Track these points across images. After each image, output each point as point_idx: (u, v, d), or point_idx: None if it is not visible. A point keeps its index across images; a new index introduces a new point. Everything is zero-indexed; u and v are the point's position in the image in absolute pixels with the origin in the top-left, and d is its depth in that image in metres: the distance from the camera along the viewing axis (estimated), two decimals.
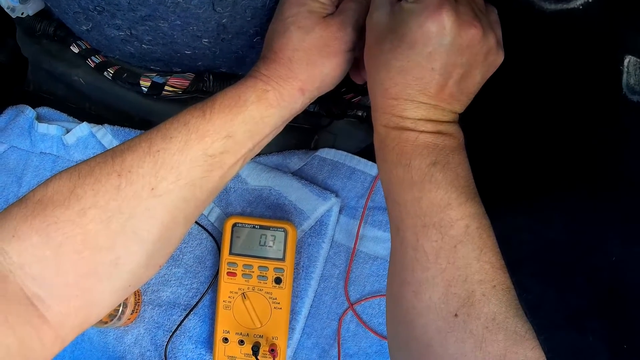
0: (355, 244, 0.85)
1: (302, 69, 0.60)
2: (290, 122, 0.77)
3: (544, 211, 0.79)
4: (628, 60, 0.44)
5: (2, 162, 0.91)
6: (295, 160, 0.89)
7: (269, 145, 0.87)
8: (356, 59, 0.64)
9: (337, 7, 0.63)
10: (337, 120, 0.89)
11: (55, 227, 0.49)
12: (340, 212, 0.87)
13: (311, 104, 0.83)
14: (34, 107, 0.91)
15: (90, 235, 0.50)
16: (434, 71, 0.54)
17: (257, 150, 0.62)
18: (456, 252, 0.52)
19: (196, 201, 0.56)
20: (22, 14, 0.83)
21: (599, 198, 0.71)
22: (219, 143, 0.55)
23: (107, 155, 0.53)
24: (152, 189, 0.52)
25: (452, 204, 0.53)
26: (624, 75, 0.44)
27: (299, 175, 0.89)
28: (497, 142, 0.84)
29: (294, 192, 0.86)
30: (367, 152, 0.89)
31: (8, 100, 0.92)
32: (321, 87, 0.62)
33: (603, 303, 0.69)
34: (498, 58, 0.58)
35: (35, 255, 0.49)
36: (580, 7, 0.57)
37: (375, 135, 0.59)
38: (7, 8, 0.80)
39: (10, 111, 0.91)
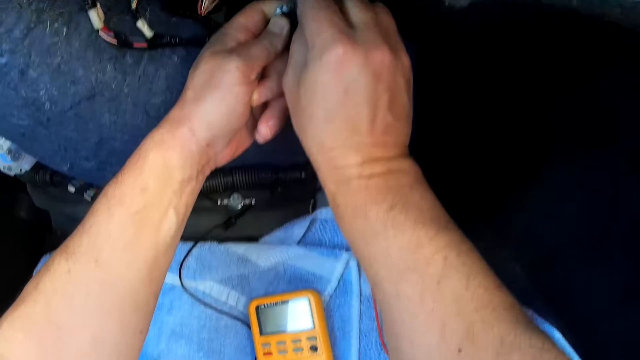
0: (373, 291, 0.82)
1: (192, 107, 0.58)
2: (284, 195, 0.78)
3: (556, 190, 0.74)
4: None
5: None
6: (297, 230, 0.88)
7: (269, 224, 0.88)
8: (254, 115, 0.63)
9: None
10: None
11: (30, 323, 0.53)
12: (359, 264, 0.84)
13: (299, 170, 0.84)
14: None
15: (61, 321, 0.54)
16: (359, 106, 0.52)
17: (187, 200, 0.61)
18: (441, 288, 0.48)
19: (144, 262, 0.57)
20: (20, 170, 0.89)
21: (598, 155, 0.66)
22: (137, 199, 0.56)
23: (58, 249, 0.57)
24: (96, 261, 0.55)
25: (422, 242, 0.49)
26: None
27: (305, 243, 0.88)
28: (482, 145, 0.82)
29: (306, 260, 0.85)
30: None
31: (42, 249, 0.98)
32: (211, 127, 0.58)
33: None
34: (412, 74, 0.56)
35: (25, 353, 0.53)
36: None
37: (327, 195, 0.57)
38: (4, 168, 0.86)
39: (45, 258, 0.96)
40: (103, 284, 0.55)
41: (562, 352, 0.45)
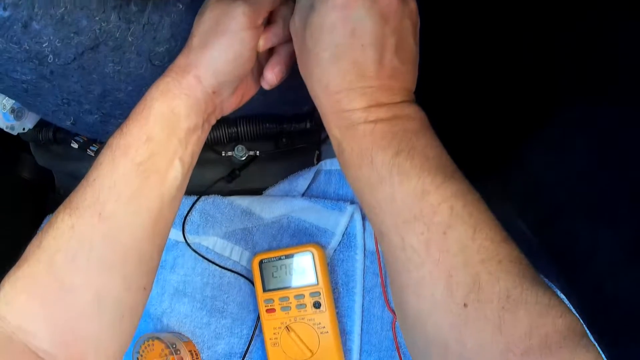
0: (376, 246, 0.83)
1: (198, 55, 0.58)
2: (289, 146, 0.77)
3: (561, 143, 0.73)
4: None
5: None
6: (302, 181, 0.88)
7: (273, 175, 0.87)
8: (260, 62, 0.63)
9: None
10: None
11: (33, 282, 0.53)
12: (364, 218, 0.84)
13: (304, 120, 0.84)
14: None
15: (64, 278, 0.53)
16: (365, 48, 0.51)
17: (193, 150, 0.60)
18: (447, 238, 0.47)
19: (149, 213, 0.57)
20: (23, 129, 0.89)
21: (604, 101, 0.65)
22: (142, 149, 0.56)
23: (61, 206, 0.56)
24: (100, 214, 0.54)
25: (428, 190, 0.48)
26: None
27: (310, 195, 0.88)
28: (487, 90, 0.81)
29: (310, 213, 0.85)
30: None
31: (44, 209, 0.98)
32: (217, 73, 0.58)
33: None
34: (418, 18, 0.55)
35: (27, 313, 0.53)
36: None
37: (332, 141, 0.56)
38: (7, 128, 0.86)
39: (49, 219, 0.97)
40: (107, 237, 0.55)
41: (568, 309, 0.44)
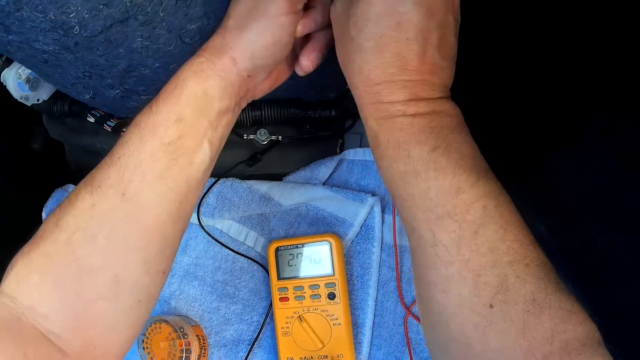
0: (394, 240, 0.82)
1: (234, 36, 0.56)
2: (312, 133, 0.75)
3: (579, 139, 0.73)
4: None
5: None
6: (323, 170, 0.87)
7: (294, 162, 0.86)
8: (294, 47, 0.61)
9: None
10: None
11: (50, 262, 0.52)
12: (383, 211, 0.84)
13: (330, 107, 0.82)
14: (76, 184, 0.94)
15: (82, 259, 0.52)
16: (410, 41, 0.50)
17: (222, 132, 0.60)
18: (478, 237, 0.47)
19: (175, 195, 0.56)
20: (38, 100, 0.87)
21: (629, 110, 0.64)
22: (172, 129, 0.54)
23: (81, 182, 0.55)
24: (123, 194, 0.53)
25: (463, 187, 0.48)
26: None
27: (331, 184, 0.87)
28: (517, 90, 0.80)
29: (330, 202, 0.84)
30: None
31: (53, 183, 0.96)
32: (254, 57, 0.57)
33: None
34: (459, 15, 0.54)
35: (39, 294, 0.51)
36: None
37: (368, 132, 0.55)
38: (21, 98, 0.84)
39: (57, 193, 0.96)
40: (129, 218, 0.53)
41: (588, 316, 0.45)
